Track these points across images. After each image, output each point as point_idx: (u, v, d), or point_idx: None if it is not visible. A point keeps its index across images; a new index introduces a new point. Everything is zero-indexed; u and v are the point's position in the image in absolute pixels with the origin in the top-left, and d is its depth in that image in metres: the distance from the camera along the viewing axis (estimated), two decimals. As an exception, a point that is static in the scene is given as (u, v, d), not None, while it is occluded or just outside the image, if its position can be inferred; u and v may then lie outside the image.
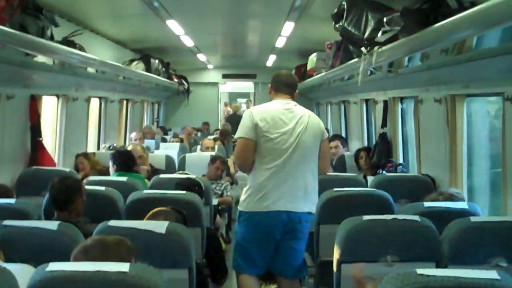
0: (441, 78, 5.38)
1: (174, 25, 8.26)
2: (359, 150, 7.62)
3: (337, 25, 5.84)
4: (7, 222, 3.37)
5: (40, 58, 5.89)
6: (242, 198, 4.52)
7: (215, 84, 16.87)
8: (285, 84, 4.65)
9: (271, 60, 13.80)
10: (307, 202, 4.44)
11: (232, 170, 8.72)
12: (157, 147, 9.74)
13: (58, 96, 7.27)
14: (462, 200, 4.42)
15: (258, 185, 4.39)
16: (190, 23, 8.39)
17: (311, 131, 4.46)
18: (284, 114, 4.46)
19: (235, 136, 4.60)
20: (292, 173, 4.37)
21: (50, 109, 7.34)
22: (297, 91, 4.72)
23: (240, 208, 4.53)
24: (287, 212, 4.36)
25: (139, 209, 4.31)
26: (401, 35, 4.59)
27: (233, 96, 21.46)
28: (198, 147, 9.72)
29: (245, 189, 4.53)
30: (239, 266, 4.54)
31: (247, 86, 18.01)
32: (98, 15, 7.47)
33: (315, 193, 4.54)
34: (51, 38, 5.75)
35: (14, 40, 4.60)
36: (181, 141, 11.30)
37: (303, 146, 4.40)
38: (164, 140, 11.55)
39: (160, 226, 3.37)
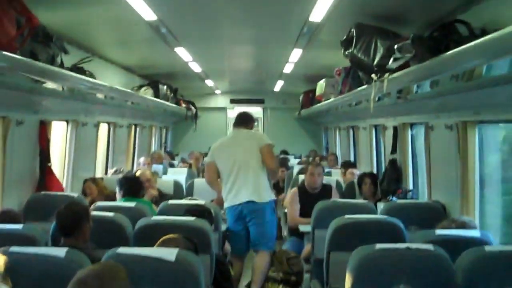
0: (451, 105, 5.36)
1: (182, 52, 8.30)
2: (363, 175, 7.50)
3: (346, 52, 5.85)
4: (14, 249, 3.34)
5: (50, 84, 5.91)
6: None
7: (223, 109, 16.88)
8: (238, 120, 6.60)
9: (278, 85, 13.82)
10: (256, 194, 6.10)
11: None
12: (165, 172, 9.70)
13: (67, 121, 7.29)
14: (475, 228, 4.37)
15: (225, 191, 6.24)
16: (198, 49, 8.43)
17: (247, 146, 6.23)
18: (229, 141, 6.47)
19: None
20: (240, 178, 6.15)
21: (59, 134, 7.35)
22: (253, 123, 6.65)
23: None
24: (243, 203, 6.08)
25: (147, 235, 4.29)
26: (412, 62, 4.59)
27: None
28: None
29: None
30: (230, 250, 6.36)
31: (255, 110, 17.99)
32: (107, 42, 7.51)
33: (264, 187, 6.19)
34: (61, 65, 5.78)
35: (24, 67, 4.62)
36: (189, 166, 11.27)
37: (242, 159, 6.18)
38: (172, 165, 11.53)
39: (169, 254, 3.33)
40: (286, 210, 8.62)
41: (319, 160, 12.37)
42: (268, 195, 6.23)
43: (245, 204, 6.08)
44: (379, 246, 3.51)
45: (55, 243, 4.31)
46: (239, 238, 6.19)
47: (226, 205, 6.24)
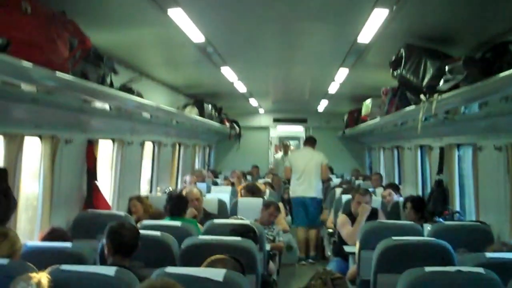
0: (501, 126, 5.26)
1: (228, 72, 8.36)
2: (406, 200, 7.29)
3: (395, 73, 5.80)
4: (65, 267, 3.37)
5: (98, 104, 6.01)
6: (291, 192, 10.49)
7: (266, 128, 16.90)
8: (308, 140, 10.64)
9: (322, 105, 13.79)
10: (314, 191, 10.05)
11: (284, 224, 8.49)
12: (209, 191, 9.72)
13: (113, 140, 7.39)
14: (527, 251, 4.26)
15: (293, 186, 10.26)
16: (243, 69, 8.48)
17: (314, 161, 10.08)
18: (303, 155, 10.40)
19: (285, 165, 11.02)
20: (306, 179, 10.02)
21: (105, 152, 7.45)
22: (315, 143, 10.53)
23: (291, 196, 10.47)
24: (305, 197, 10.03)
25: (194, 255, 4.31)
26: (463, 83, 4.52)
27: (283, 139, 21.48)
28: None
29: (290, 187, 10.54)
30: (295, 222, 10.23)
31: (297, 129, 17.96)
32: (155, 62, 7.62)
33: (319, 187, 10.17)
34: (111, 84, 5.87)
35: (76, 87, 4.72)
36: (232, 184, 11.27)
37: (310, 168, 10.02)
38: (215, 183, 11.55)
39: (217, 274, 3.33)
40: (330, 230, 8.57)
41: (363, 180, 12.27)
42: (321, 194, 10.30)
43: (309, 198, 9.95)
44: (428, 269, 3.46)
45: (103, 261, 4.36)
46: (302, 216, 10.01)
47: (294, 195, 10.14)
